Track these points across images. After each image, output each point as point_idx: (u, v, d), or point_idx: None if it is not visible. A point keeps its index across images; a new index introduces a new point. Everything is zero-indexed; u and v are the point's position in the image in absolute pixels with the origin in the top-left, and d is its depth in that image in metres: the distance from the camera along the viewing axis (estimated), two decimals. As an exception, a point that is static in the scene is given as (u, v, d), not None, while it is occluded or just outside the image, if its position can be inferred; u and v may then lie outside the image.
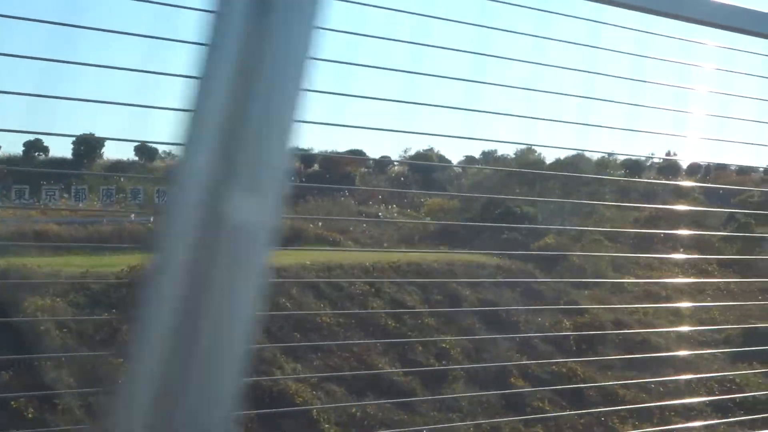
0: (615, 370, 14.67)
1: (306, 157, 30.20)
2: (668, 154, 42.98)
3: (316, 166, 30.17)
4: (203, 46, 1.18)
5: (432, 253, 20.48)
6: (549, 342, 14.63)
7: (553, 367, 13.99)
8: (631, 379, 14.68)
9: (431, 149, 34.85)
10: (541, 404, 13.07)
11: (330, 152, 31.10)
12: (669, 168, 33.36)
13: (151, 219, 18.97)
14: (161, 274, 1.15)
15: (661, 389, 14.48)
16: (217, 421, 1.13)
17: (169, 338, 1.13)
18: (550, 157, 26.33)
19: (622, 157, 36.03)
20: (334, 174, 29.50)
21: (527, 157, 26.24)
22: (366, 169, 30.46)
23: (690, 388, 14.91)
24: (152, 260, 1.15)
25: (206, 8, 1.18)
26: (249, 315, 1.17)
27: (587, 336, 15.12)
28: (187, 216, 1.15)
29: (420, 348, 13.15)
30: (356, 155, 30.48)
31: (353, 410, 11.70)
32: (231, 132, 1.17)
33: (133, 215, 19.31)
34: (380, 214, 26.73)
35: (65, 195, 19.69)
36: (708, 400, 14.49)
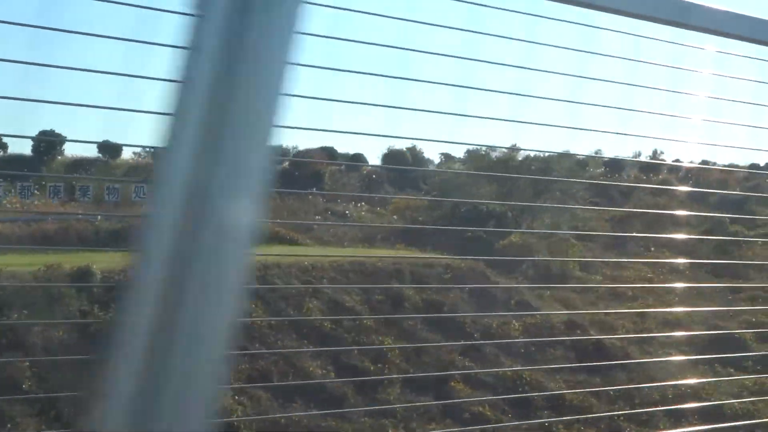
0: (563, 374, 14.11)
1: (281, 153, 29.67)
2: (655, 153, 42.58)
3: (285, 164, 29.63)
4: (183, 49, 1.19)
5: (381, 254, 19.95)
6: (494, 344, 14.07)
7: (496, 371, 13.42)
8: (580, 383, 14.14)
9: (414, 147, 34.34)
10: (481, 408, 12.50)
11: (301, 150, 30.57)
12: (651, 167, 32.77)
13: (99, 218, 18.43)
14: (141, 277, 1.17)
15: (612, 394, 13.93)
16: (196, 423, 1.15)
17: (147, 341, 1.15)
18: (524, 154, 25.75)
19: (603, 156, 35.50)
20: (304, 172, 28.96)
21: (499, 155, 25.69)
22: (338, 167, 29.91)
23: (644, 394, 14.35)
24: (132, 262, 1.17)
25: (186, 11, 1.19)
26: (229, 317, 1.18)
27: (537, 337, 14.57)
28: (168, 218, 1.17)
29: (355, 351, 12.58)
30: (328, 153, 29.97)
31: (280, 418, 11.15)
32: (212, 134, 1.19)
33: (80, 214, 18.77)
34: (347, 212, 26.18)
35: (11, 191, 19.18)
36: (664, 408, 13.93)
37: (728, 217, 26.70)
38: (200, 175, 1.16)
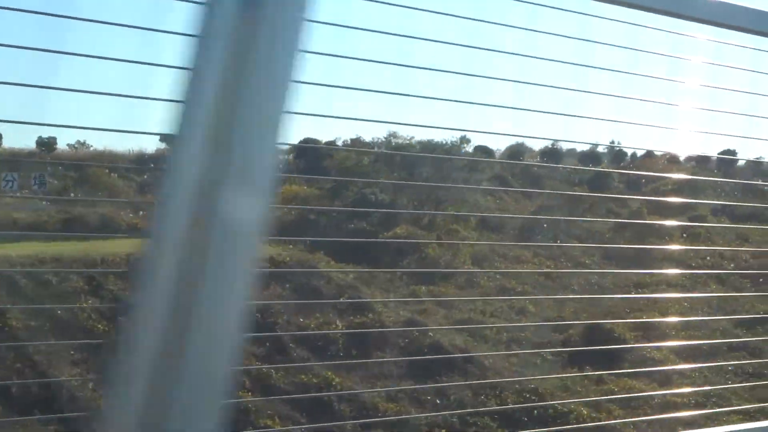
0: (385, 379, 12.54)
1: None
2: (612, 142, 41.21)
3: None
4: (193, 39, 1.25)
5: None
6: (309, 346, 12.51)
7: (302, 376, 11.85)
8: (405, 388, 12.59)
9: (359, 138, 32.67)
10: (270, 422, 10.92)
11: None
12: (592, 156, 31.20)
13: None
14: (152, 267, 1.22)
15: (437, 402, 12.37)
16: (208, 412, 1.21)
17: (160, 331, 1.19)
18: (423, 139, 24.14)
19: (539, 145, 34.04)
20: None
21: (398, 141, 24.06)
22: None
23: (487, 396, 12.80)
24: (143, 252, 1.22)
25: (196, 0, 1.27)
26: (240, 307, 1.24)
27: (362, 338, 13.02)
28: (178, 209, 1.22)
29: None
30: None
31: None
32: (221, 125, 1.25)
33: None
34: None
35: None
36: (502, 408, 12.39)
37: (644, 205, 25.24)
38: (211, 166, 1.23)
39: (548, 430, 11.06)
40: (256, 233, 1.20)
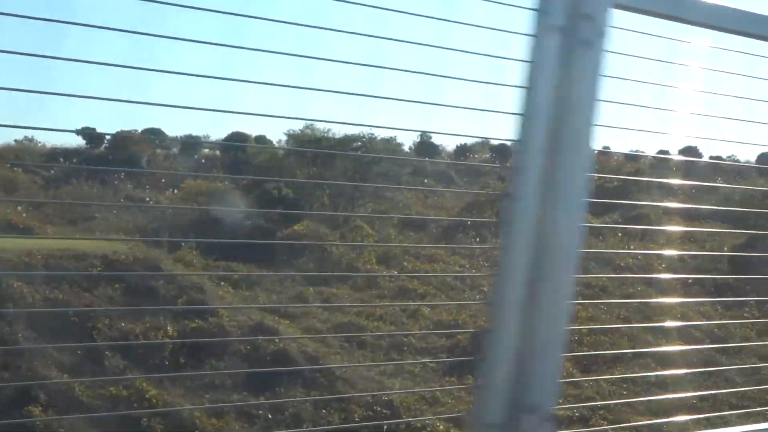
0: (214, 392, 11.22)
1: (94, 137, 26.76)
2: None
3: (102, 148, 26.72)
4: (523, 88, 1.60)
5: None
6: (129, 354, 11.19)
7: (111, 389, 10.52)
8: (237, 402, 11.28)
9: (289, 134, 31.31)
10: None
11: (124, 131, 27.62)
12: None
13: None
14: (508, 260, 1.62)
15: (269, 416, 11.04)
16: (547, 398, 1.62)
17: (517, 334, 1.63)
18: (338, 134, 22.80)
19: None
20: (121, 155, 26.03)
21: (312, 135, 22.73)
22: (163, 151, 27.00)
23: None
24: (500, 247, 1.60)
25: (523, 58, 1.61)
26: (568, 301, 1.65)
27: (196, 345, 11.69)
28: (525, 228, 1.60)
29: None
30: (155, 134, 27.11)
31: None
32: (549, 155, 1.60)
33: None
34: (147, 199, 23.26)
35: None
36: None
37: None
38: (542, 192, 1.58)
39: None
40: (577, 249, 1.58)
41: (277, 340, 11.99)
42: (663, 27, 2.17)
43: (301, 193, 20.46)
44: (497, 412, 1.69)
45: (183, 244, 18.99)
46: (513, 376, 1.69)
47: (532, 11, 1.65)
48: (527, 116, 1.57)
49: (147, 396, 10.60)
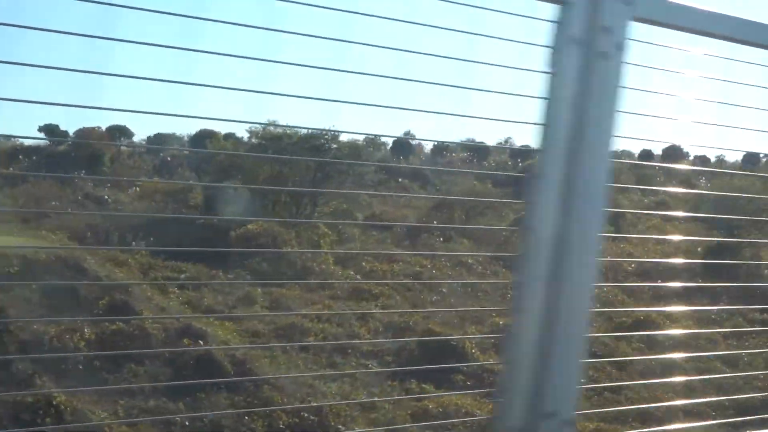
0: (135, 397, 10.64)
1: (57, 134, 26.24)
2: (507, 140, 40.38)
3: (63, 146, 26.17)
4: (544, 99, 1.65)
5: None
6: (41, 358, 10.62)
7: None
8: (148, 410, 10.71)
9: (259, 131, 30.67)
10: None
11: (84, 128, 27.08)
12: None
13: None
14: (529, 258, 1.63)
15: (186, 424, 10.47)
16: (567, 404, 1.64)
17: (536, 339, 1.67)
18: (302, 133, 22.20)
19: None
20: (83, 153, 25.48)
21: (270, 133, 22.15)
22: (128, 149, 26.45)
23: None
24: (521, 247, 1.61)
25: (545, 70, 1.67)
26: (589, 303, 1.68)
27: (114, 348, 11.12)
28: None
29: None
30: (119, 131, 26.59)
31: None
32: (569, 164, 1.64)
33: None
34: (106, 197, 22.71)
35: None
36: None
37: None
38: (559, 199, 1.62)
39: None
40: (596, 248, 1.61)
41: (201, 342, 11.43)
42: (679, 38, 2.16)
43: (260, 192, 19.91)
44: (517, 417, 1.71)
45: (133, 243, 18.47)
46: (532, 381, 1.71)
47: (551, 23, 1.69)
48: (547, 126, 1.62)
49: (55, 402, 10.04)
